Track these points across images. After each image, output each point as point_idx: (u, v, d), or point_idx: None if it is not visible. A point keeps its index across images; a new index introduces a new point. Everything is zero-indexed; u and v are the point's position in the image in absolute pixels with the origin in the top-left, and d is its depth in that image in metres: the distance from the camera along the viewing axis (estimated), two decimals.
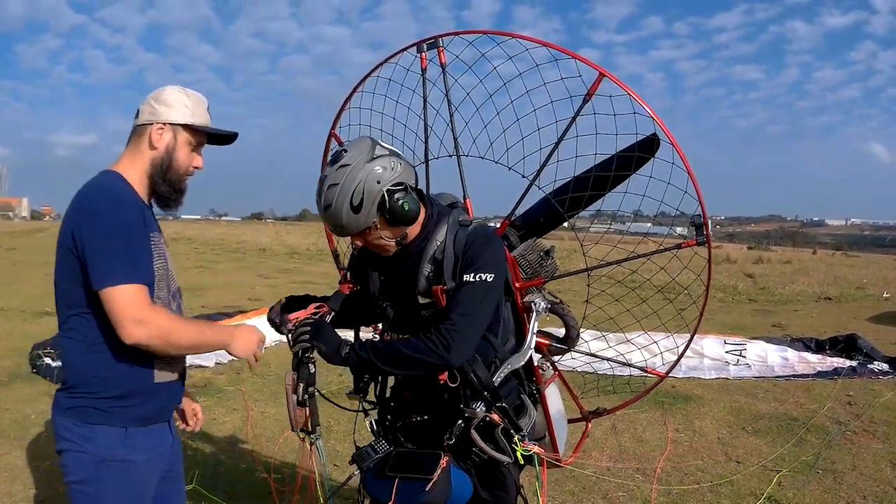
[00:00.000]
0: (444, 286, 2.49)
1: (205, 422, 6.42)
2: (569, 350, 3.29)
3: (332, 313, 2.71)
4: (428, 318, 2.53)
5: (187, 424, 3.01)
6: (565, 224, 3.37)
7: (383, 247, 2.55)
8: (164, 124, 2.46)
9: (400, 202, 2.41)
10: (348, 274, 2.90)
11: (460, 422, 2.60)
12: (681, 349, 3.55)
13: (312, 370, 2.61)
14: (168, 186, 2.50)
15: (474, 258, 2.48)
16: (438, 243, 2.54)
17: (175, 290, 2.56)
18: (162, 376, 2.48)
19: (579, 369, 3.78)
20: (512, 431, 2.64)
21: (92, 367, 2.34)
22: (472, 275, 2.44)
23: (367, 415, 2.88)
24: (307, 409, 2.63)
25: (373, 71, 3.56)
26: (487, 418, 2.58)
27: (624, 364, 3.70)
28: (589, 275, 3.30)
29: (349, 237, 2.60)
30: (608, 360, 3.71)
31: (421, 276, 2.54)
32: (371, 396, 2.93)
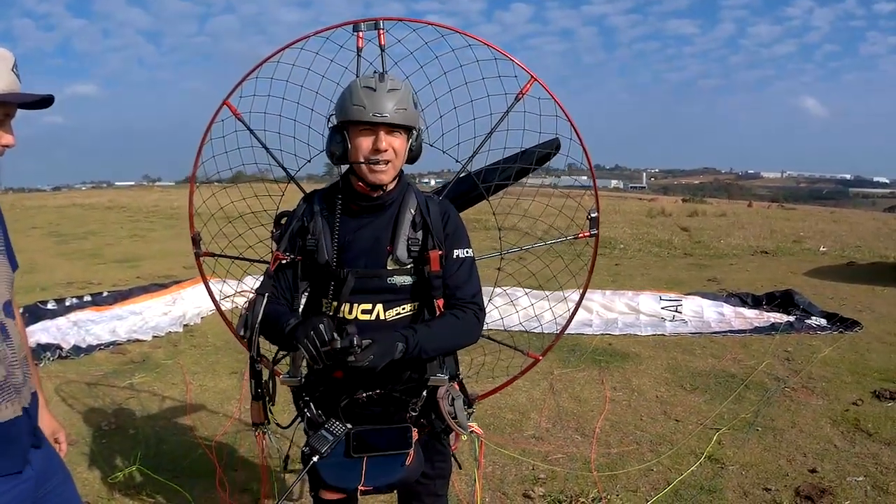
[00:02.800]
0: (439, 251, 2.52)
1: (145, 398, 6.27)
2: None
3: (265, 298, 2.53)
4: (402, 285, 2.52)
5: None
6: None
7: (395, 159, 2.46)
8: None
9: (421, 133, 2.64)
10: (284, 245, 2.62)
11: (425, 392, 2.57)
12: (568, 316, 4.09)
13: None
14: None
15: (457, 232, 2.60)
16: (412, 211, 2.55)
17: None
18: None
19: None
20: (465, 404, 2.68)
21: None
22: (465, 250, 2.59)
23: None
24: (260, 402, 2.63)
25: (291, 44, 3.57)
26: (449, 388, 2.60)
27: (505, 346, 4.12)
28: (502, 258, 3.88)
29: (381, 138, 2.41)
30: (498, 342, 4.09)
31: (400, 241, 2.51)
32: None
